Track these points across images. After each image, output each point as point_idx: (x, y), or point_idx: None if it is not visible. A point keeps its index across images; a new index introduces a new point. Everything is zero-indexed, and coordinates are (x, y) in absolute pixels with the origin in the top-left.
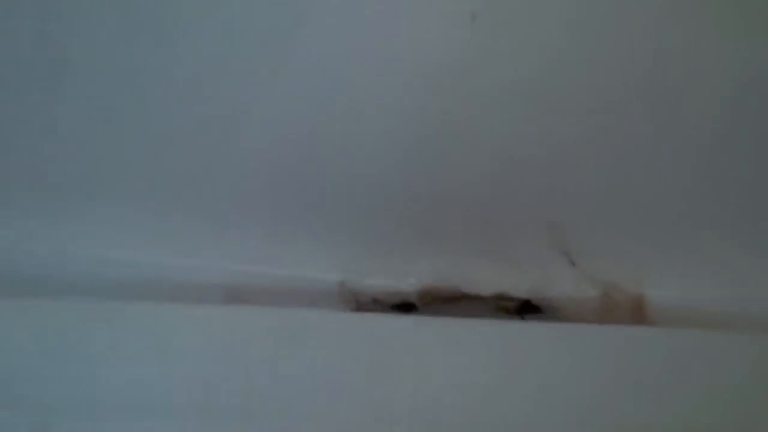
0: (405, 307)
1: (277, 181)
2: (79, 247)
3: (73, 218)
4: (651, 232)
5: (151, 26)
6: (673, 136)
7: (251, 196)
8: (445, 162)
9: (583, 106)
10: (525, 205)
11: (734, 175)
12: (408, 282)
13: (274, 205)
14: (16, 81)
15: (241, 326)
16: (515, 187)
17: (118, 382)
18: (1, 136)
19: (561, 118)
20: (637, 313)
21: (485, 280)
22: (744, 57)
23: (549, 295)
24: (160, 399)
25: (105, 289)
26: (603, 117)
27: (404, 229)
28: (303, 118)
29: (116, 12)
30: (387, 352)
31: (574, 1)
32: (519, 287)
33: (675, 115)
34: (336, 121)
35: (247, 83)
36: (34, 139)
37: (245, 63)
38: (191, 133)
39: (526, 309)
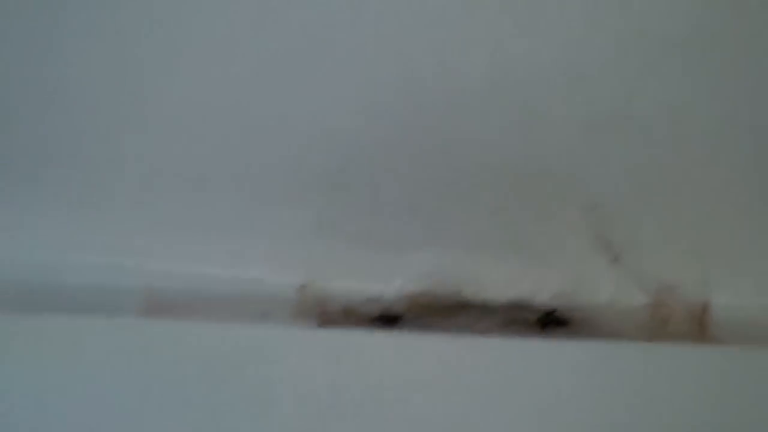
0: (387, 319)
1: (213, 151)
2: None
3: None
4: (719, 220)
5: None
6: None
7: (183, 172)
8: (445, 110)
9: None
10: (555, 178)
11: None
12: (392, 285)
13: (212, 186)
14: None
15: (165, 347)
16: (539, 153)
17: (22, 414)
18: None
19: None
20: (698, 327)
21: (497, 282)
22: None
23: (582, 302)
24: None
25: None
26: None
27: (387, 211)
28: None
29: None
30: (362, 381)
31: None
32: (542, 292)
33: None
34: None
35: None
36: None
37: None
38: (109, 112)
39: (551, 322)
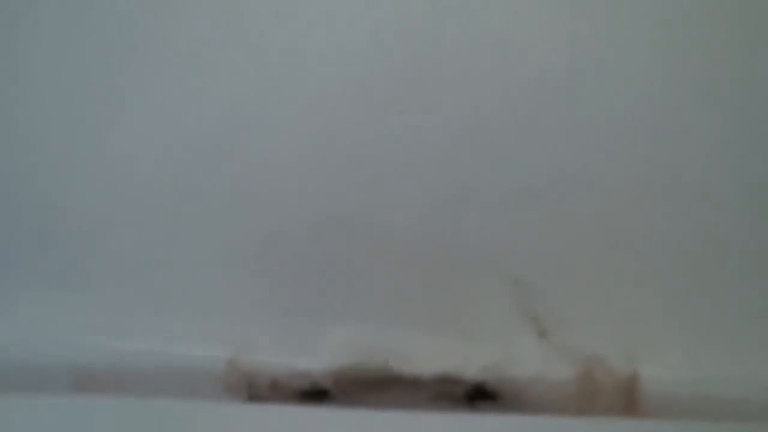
0: (315, 394)
1: (141, 222)
2: None
3: None
4: (646, 292)
5: None
6: (669, 185)
7: (106, 245)
8: (372, 192)
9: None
10: (481, 253)
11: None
12: (320, 359)
13: (138, 258)
14: None
15: (94, 422)
16: (466, 228)
17: None
18: None
19: (533, 149)
20: (628, 399)
21: (425, 356)
22: None
23: (510, 376)
24: None
25: None
26: (585, 154)
27: (314, 286)
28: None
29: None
30: None
31: None
32: (470, 366)
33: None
34: (222, 138)
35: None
36: None
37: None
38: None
39: (479, 395)
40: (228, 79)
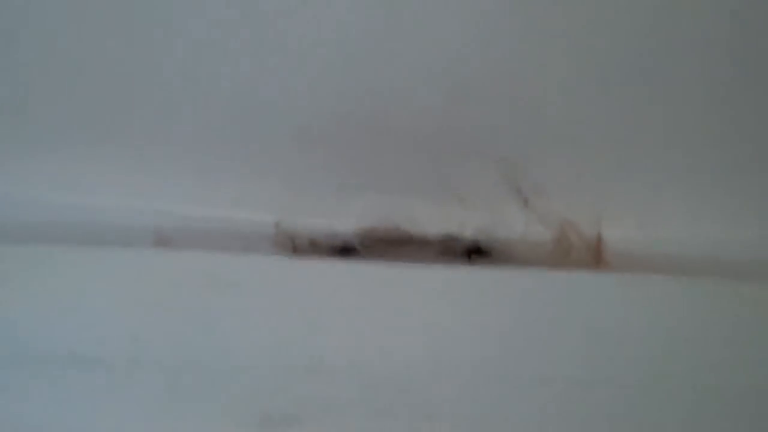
0: (345, 250)
1: (207, 116)
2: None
3: None
4: (610, 168)
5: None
6: (635, 65)
7: (181, 132)
8: (387, 91)
9: (536, 34)
10: (474, 138)
11: (703, 108)
12: (348, 223)
13: (205, 143)
14: None
15: (171, 271)
16: (463, 118)
17: (43, 331)
18: None
19: (516, 45)
20: (594, 256)
21: (431, 220)
22: None
23: (499, 236)
24: (87, 349)
25: (22, 232)
26: (561, 43)
27: (343, 165)
28: (230, 42)
29: None
30: (325, 298)
31: None
32: (467, 228)
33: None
34: (266, 45)
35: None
36: None
37: None
38: (117, 67)
39: (475, 252)
40: None
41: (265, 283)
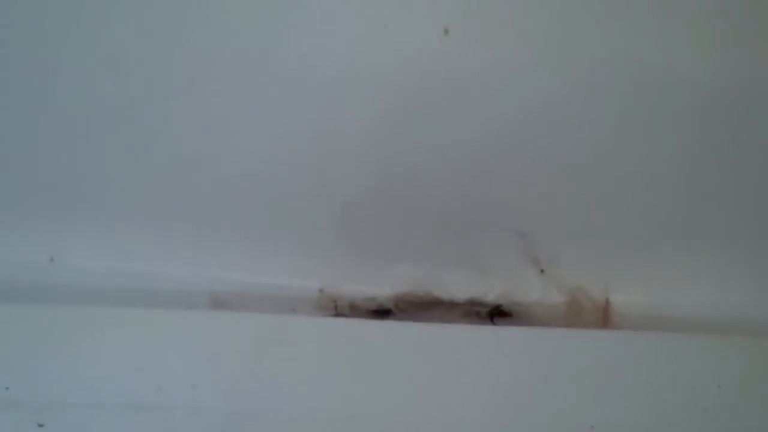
0: (381, 312)
1: (260, 197)
2: (72, 257)
3: (65, 229)
4: (617, 239)
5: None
6: (639, 146)
7: (236, 209)
8: (419, 174)
9: (547, 120)
10: (495, 214)
11: (701, 182)
12: (384, 288)
13: (257, 218)
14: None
15: (226, 331)
16: (486, 197)
17: (111, 383)
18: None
19: (529, 136)
20: (602, 317)
21: (458, 286)
22: None
23: (519, 300)
24: (149, 399)
25: (97, 296)
26: (569, 131)
27: (380, 238)
28: (282, 133)
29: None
30: (364, 355)
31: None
32: (490, 293)
33: (640, 127)
34: (313, 134)
35: (231, 98)
36: (28, 153)
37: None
38: (176, 146)
39: (497, 314)
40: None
41: (310, 340)
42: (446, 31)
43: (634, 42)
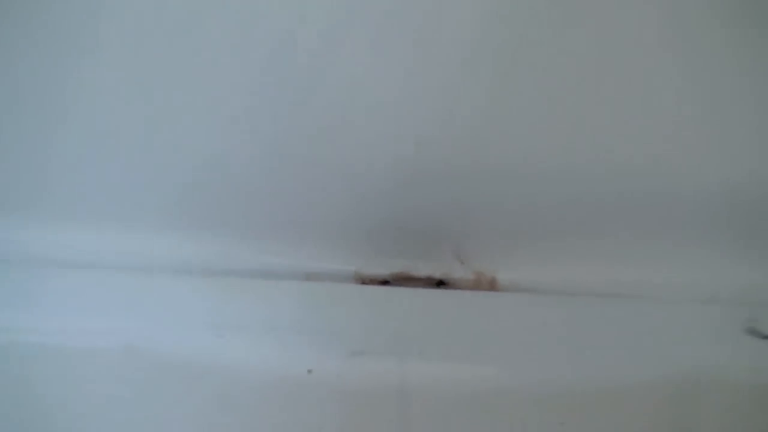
0: (384, 282)
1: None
2: None
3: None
4: (502, 240)
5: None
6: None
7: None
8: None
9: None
10: (437, 222)
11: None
12: (385, 269)
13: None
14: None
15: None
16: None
17: None
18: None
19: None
20: (492, 286)
21: (420, 269)
22: None
23: (452, 277)
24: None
25: None
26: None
27: (384, 243)
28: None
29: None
30: (378, 309)
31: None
32: (436, 273)
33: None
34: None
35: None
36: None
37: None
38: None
39: (441, 283)
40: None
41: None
42: None
43: None
